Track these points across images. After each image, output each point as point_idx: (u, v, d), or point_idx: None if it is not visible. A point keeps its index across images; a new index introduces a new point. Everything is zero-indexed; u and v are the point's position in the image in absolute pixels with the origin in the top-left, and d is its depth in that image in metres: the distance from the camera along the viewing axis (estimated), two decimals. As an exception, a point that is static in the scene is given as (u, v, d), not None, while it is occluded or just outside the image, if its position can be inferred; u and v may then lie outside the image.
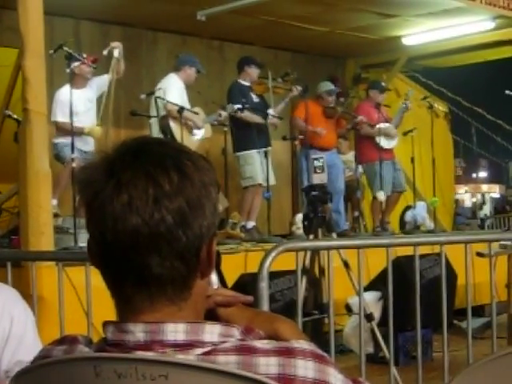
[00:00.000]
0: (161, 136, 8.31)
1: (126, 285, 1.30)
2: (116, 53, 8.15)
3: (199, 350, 1.24)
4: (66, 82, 7.97)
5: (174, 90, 8.68)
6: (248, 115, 9.08)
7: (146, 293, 1.29)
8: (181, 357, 1.23)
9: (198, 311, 1.34)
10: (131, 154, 1.31)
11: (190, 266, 1.29)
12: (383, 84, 11.06)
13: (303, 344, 1.27)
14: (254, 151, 9.10)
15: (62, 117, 7.98)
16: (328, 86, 10.15)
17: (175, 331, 1.26)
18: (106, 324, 1.32)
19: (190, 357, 1.24)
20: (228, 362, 1.22)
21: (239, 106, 8.91)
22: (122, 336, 1.28)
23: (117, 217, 1.26)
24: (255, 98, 9.37)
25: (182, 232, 1.27)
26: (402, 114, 10.63)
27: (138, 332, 1.27)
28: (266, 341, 1.27)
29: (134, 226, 1.26)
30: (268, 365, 1.22)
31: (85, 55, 8.24)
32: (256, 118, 9.15)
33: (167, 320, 1.27)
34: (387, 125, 10.36)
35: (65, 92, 7.88)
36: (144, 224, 1.26)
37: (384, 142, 10.28)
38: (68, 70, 7.97)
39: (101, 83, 8.34)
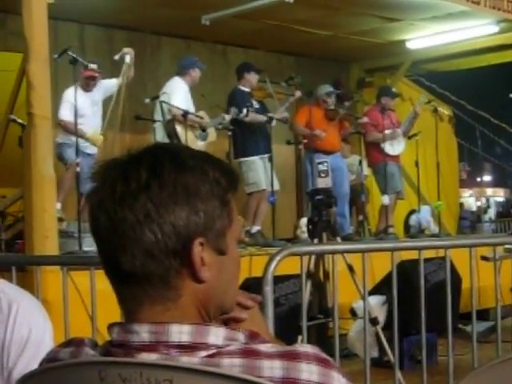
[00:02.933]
0: (166, 140, 8.33)
1: (114, 282, 1.33)
2: (127, 58, 8.19)
3: (203, 353, 1.24)
4: (72, 85, 7.98)
5: (179, 93, 8.71)
6: (253, 116, 9.10)
7: (129, 290, 1.31)
8: (185, 359, 1.23)
9: (200, 314, 1.33)
10: (126, 155, 1.33)
11: (165, 266, 1.28)
12: (394, 90, 11.05)
13: (307, 348, 1.26)
14: (256, 157, 9.11)
15: (67, 116, 7.99)
16: (326, 88, 10.15)
17: (180, 332, 1.26)
18: (111, 325, 1.32)
19: (195, 359, 1.23)
20: (232, 364, 1.21)
21: (244, 110, 8.92)
22: (127, 336, 1.28)
23: (93, 213, 1.32)
24: (256, 104, 9.39)
25: (148, 230, 1.27)
26: (411, 120, 10.62)
27: (143, 332, 1.27)
28: (269, 344, 1.27)
29: (103, 223, 1.30)
30: (272, 368, 1.21)
31: (91, 66, 8.21)
32: (260, 117, 9.17)
33: (171, 321, 1.27)
34: (392, 130, 10.36)
35: (72, 92, 7.89)
36: (110, 221, 1.29)
37: (389, 149, 10.29)
38: (79, 71, 8.00)
39: (108, 86, 8.37)
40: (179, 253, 1.28)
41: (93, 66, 8.20)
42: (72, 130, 7.82)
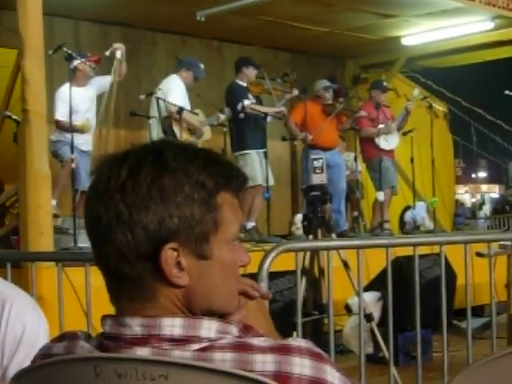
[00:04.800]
0: (161, 136, 8.32)
1: (102, 274, 1.34)
2: (118, 54, 8.15)
3: (196, 346, 1.24)
4: (66, 81, 7.97)
5: (175, 90, 8.68)
6: (256, 107, 9.11)
7: (110, 285, 1.32)
8: (177, 352, 1.23)
9: (184, 314, 1.31)
10: (120, 152, 1.34)
11: (138, 269, 1.27)
12: (385, 84, 11.04)
13: (300, 342, 1.26)
14: (253, 152, 9.11)
15: (63, 116, 7.97)
16: (324, 83, 10.16)
17: (172, 325, 1.26)
18: (104, 318, 1.32)
19: (187, 353, 1.23)
20: (224, 358, 1.21)
21: (240, 104, 8.92)
22: (119, 330, 1.29)
23: (84, 207, 1.34)
24: (252, 99, 9.37)
25: (120, 232, 1.26)
26: (405, 115, 10.61)
27: (135, 326, 1.27)
28: (262, 338, 1.27)
29: (87, 219, 1.32)
30: (264, 362, 1.21)
31: (89, 54, 8.24)
32: (263, 108, 9.17)
33: (164, 315, 1.27)
34: (386, 123, 10.34)
35: (66, 90, 7.88)
36: (90, 218, 1.30)
37: (384, 144, 10.28)
38: (71, 67, 7.97)
39: (102, 83, 8.34)
40: (151, 257, 1.27)
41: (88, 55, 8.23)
42: (68, 128, 7.80)
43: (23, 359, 1.97)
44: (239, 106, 8.92)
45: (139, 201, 1.26)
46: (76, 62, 8.03)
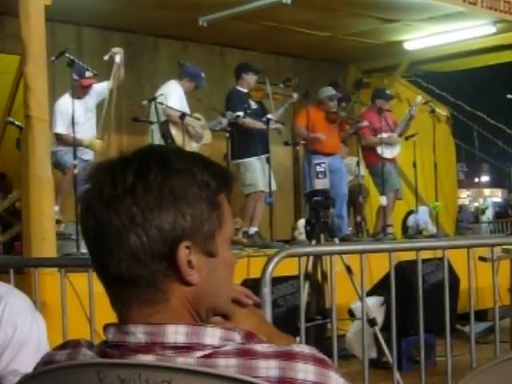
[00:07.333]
0: (162, 142, 8.32)
1: (104, 283, 1.33)
2: (117, 58, 8.14)
3: (199, 353, 1.24)
4: (68, 89, 7.96)
5: (173, 95, 8.67)
6: (249, 121, 9.07)
7: (118, 292, 1.31)
8: (181, 359, 1.23)
9: (192, 316, 1.32)
10: (116, 158, 1.34)
11: (152, 270, 1.28)
12: (388, 92, 11.04)
13: (304, 348, 1.26)
14: (253, 158, 9.09)
15: (62, 128, 7.95)
16: (329, 91, 10.15)
17: (176, 333, 1.26)
18: (106, 326, 1.32)
19: (190, 359, 1.23)
20: (228, 365, 1.21)
21: (241, 113, 8.91)
22: (122, 337, 1.29)
23: (82, 216, 1.32)
24: (254, 105, 9.36)
25: (133, 234, 1.26)
26: (407, 121, 10.62)
27: (138, 333, 1.27)
28: (266, 344, 1.27)
29: (91, 226, 1.30)
30: (268, 368, 1.21)
31: (88, 74, 8.17)
32: (258, 124, 9.14)
33: (167, 322, 1.27)
34: (389, 134, 10.35)
35: (65, 102, 7.87)
36: (97, 224, 1.29)
37: (386, 152, 10.28)
38: (73, 79, 7.95)
39: (100, 90, 8.32)
40: (165, 256, 1.28)
41: (89, 73, 8.17)
42: (69, 141, 7.77)
43: (11, 359, 1.97)
44: (233, 115, 8.86)
45: (152, 202, 1.27)
46: (77, 79, 8.01)
